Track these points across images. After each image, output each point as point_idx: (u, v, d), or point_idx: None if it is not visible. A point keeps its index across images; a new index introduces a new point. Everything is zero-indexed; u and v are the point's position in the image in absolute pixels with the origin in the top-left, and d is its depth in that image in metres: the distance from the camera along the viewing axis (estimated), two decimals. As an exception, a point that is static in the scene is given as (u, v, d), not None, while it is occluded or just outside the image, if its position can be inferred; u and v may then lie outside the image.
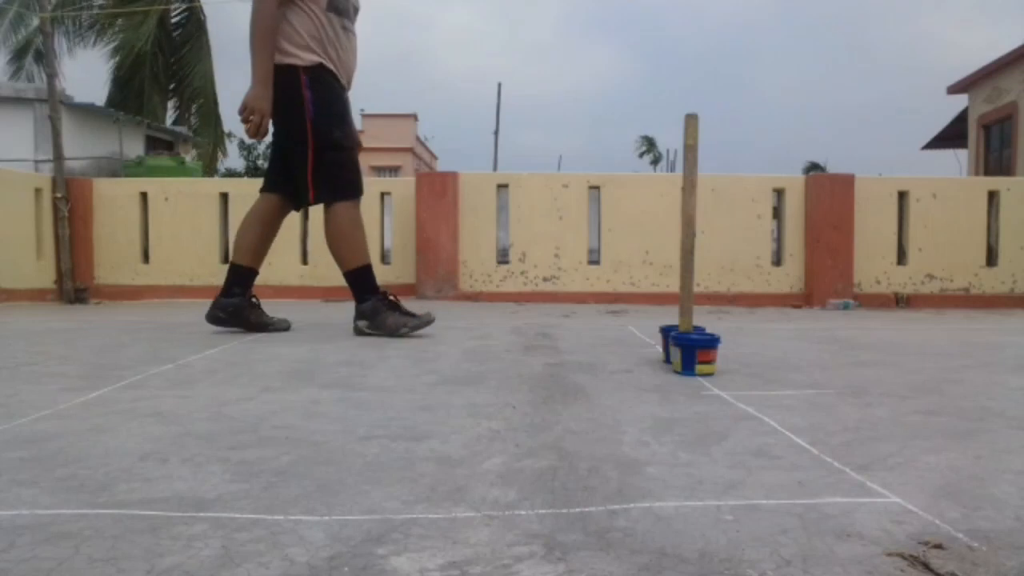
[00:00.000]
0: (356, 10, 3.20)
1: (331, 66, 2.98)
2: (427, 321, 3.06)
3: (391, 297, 3.12)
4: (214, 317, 3.16)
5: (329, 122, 2.96)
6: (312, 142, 2.94)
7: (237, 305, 3.14)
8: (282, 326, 3.26)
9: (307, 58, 2.92)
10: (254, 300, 3.23)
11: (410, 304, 5.05)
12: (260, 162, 22.31)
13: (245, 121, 2.86)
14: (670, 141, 40.22)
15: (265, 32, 2.85)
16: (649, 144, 42.93)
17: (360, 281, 3.10)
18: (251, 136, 2.90)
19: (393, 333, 3.01)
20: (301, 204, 3.26)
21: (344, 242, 3.09)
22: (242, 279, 3.17)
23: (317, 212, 5.77)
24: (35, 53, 14.63)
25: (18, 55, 15.23)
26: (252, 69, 2.86)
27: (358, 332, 3.08)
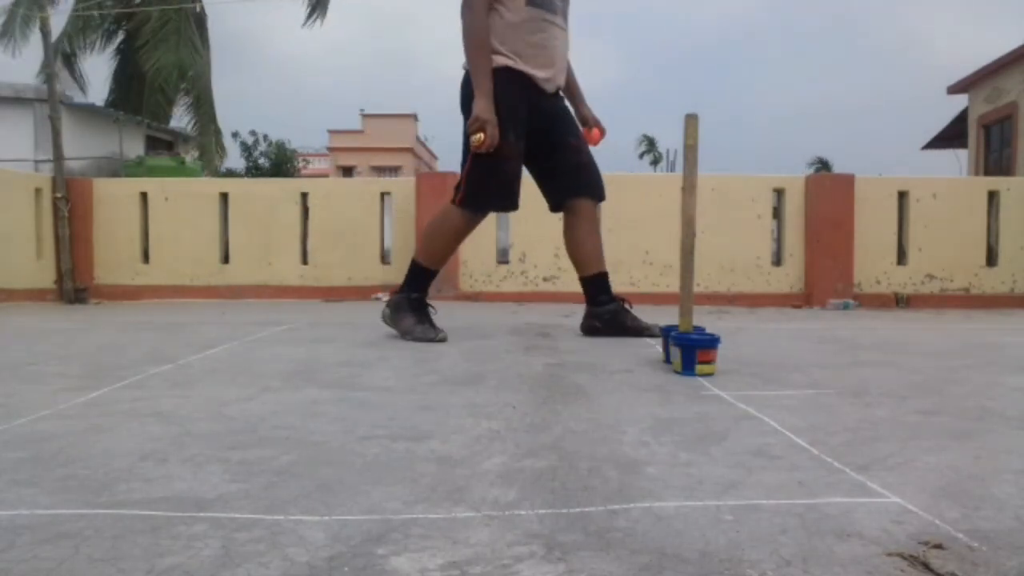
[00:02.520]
0: (565, 5, 3.02)
1: (521, 66, 2.86)
2: (429, 338, 2.90)
3: (430, 306, 3.07)
4: (591, 327, 3.13)
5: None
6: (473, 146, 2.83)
7: (614, 311, 3.11)
8: (656, 331, 2.98)
9: (494, 60, 2.82)
10: (626, 305, 3.17)
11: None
12: (261, 161, 22.29)
13: (477, 133, 2.75)
14: (670, 141, 40.23)
15: (479, 42, 2.77)
16: (650, 144, 42.92)
17: (412, 275, 3.04)
18: (485, 149, 2.76)
19: (402, 334, 2.98)
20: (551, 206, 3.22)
21: (432, 238, 3.03)
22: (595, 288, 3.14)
23: (315, 211, 5.78)
24: (62, 56, 14.59)
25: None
26: (473, 80, 2.78)
27: (383, 318, 3.08)
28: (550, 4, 2.91)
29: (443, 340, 2.88)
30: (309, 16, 15.98)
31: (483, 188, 2.92)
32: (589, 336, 3.12)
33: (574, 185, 3.11)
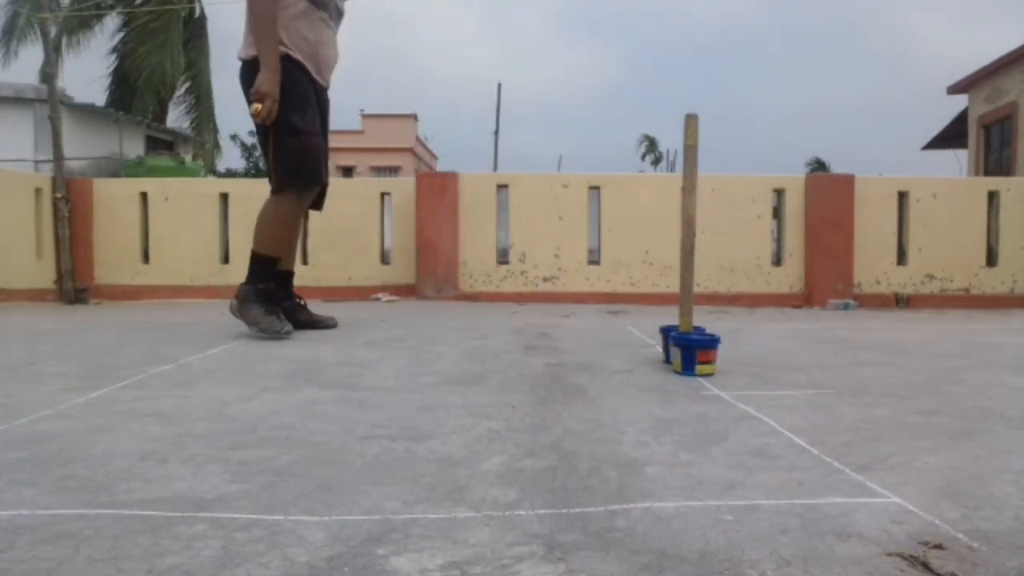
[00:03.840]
0: (339, 13, 3.24)
1: (298, 57, 3.00)
2: (275, 330, 2.93)
3: (301, 300, 3.22)
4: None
5: (291, 107, 2.95)
6: (275, 127, 2.95)
7: (287, 308, 3.20)
8: (331, 323, 3.32)
9: (279, 49, 2.94)
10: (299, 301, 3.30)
11: (410, 304, 5.05)
12: (262, 164, 22.29)
13: (257, 102, 2.87)
14: (669, 142, 40.25)
15: (266, 19, 2.89)
16: (651, 144, 42.89)
17: (255, 267, 3.08)
18: (261, 120, 2.90)
19: (248, 325, 2.99)
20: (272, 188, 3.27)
21: (264, 228, 3.07)
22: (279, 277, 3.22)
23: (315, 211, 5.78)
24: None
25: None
26: (260, 56, 2.89)
27: (231, 310, 3.08)
28: (326, 5, 3.09)
29: (288, 334, 2.94)
30: None
31: (291, 165, 3.02)
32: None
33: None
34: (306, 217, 5.78)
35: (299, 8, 2.98)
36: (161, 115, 15.86)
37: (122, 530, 0.97)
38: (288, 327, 3.00)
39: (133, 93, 15.12)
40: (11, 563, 0.86)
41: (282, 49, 2.95)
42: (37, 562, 0.87)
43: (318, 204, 3.32)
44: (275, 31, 2.90)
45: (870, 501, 1.11)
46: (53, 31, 6.64)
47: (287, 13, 2.96)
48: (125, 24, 15.61)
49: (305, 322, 3.26)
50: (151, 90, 14.87)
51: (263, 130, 2.99)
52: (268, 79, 2.87)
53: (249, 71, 2.96)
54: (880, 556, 0.91)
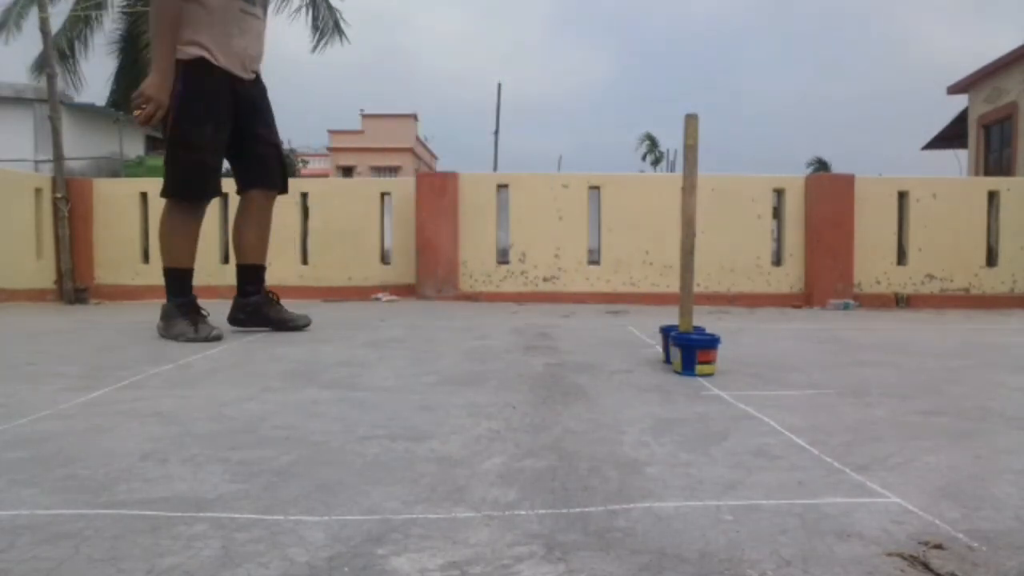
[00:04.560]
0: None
1: (218, 61, 2.94)
2: (204, 336, 2.88)
3: (274, 296, 3.19)
4: (235, 319, 3.20)
5: (188, 119, 2.91)
6: (169, 135, 2.93)
7: (257, 303, 3.18)
8: (302, 322, 3.26)
9: (189, 52, 2.89)
10: (272, 296, 3.27)
11: (410, 304, 5.06)
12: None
13: (137, 108, 2.84)
14: (669, 142, 40.22)
15: (165, 22, 2.84)
16: (652, 143, 42.85)
17: (168, 281, 3.06)
18: (141, 123, 2.88)
19: (174, 339, 2.91)
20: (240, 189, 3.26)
21: (163, 241, 3.06)
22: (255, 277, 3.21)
23: (315, 211, 5.79)
24: (58, 54, 14.58)
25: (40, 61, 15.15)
26: (153, 58, 2.86)
27: (158, 331, 3.04)
28: None
29: (218, 337, 2.89)
30: (318, 42, 15.89)
31: (177, 177, 2.99)
32: (235, 327, 3.19)
33: (250, 175, 3.20)
34: (305, 216, 5.81)
35: (212, 2, 2.89)
36: None
37: (122, 530, 0.97)
38: (217, 331, 2.91)
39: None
40: (11, 563, 0.86)
41: (197, 51, 2.89)
42: (37, 562, 0.87)
43: (284, 187, 3.28)
44: (172, 33, 2.84)
45: (870, 501, 1.11)
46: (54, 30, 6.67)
47: (198, 10, 2.88)
48: (131, 24, 15.59)
49: (275, 320, 3.20)
50: None
51: (167, 135, 2.95)
52: (154, 83, 2.82)
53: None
54: (880, 556, 0.91)
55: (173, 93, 2.86)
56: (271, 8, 3.31)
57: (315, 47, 15.61)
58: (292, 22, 15.21)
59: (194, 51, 2.90)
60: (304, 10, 15.18)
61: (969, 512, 1.06)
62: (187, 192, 3.04)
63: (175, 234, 3.05)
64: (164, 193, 3.02)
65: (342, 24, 15.95)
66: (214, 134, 2.99)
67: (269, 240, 3.31)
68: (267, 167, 3.20)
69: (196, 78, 2.90)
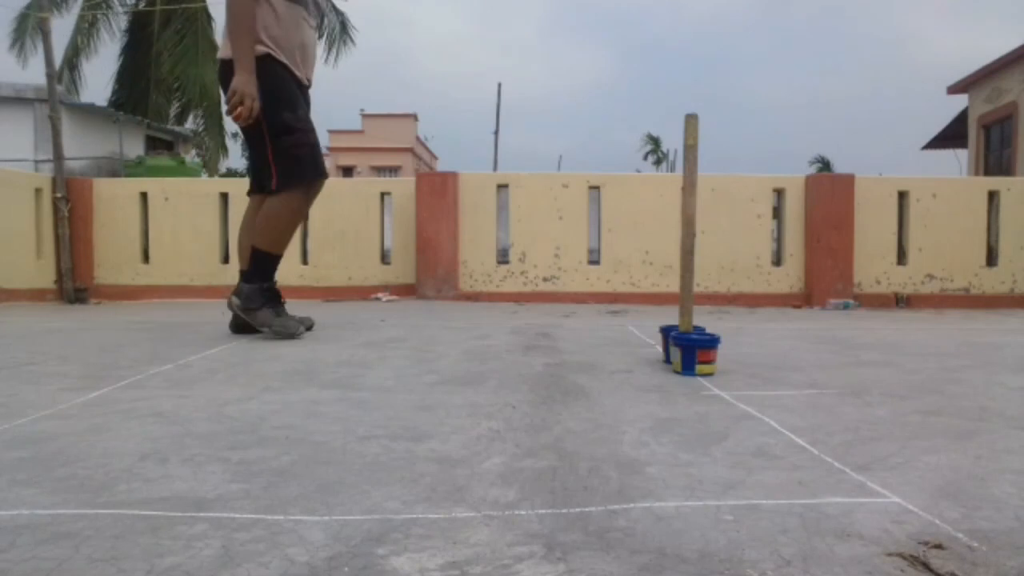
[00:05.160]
0: (318, 9, 3.24)
1: (281, 57, 2.98)
2: (290, 333, 2.94)
3: (281, 301, 3.14)
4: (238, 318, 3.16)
5: (283, 107, 2.94)
6: (269, 129, 2.94)
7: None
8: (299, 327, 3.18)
9: (259, 49, 2.92)
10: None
11: (410, 304, 5.05)
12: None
13: (233, 108, 2.85)
14: (669, 142, 40.23)
15: (243, 20, 2.87)
16: (655, 144, 42.82)
17: (260, 265, 3.06)
18: (242, 121, 2.87)
19: (258, 326, 2.97)
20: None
21: (273, 226, 3.04)
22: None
23: (315, 211, 5.78)
24: (67, 63, 14.57)
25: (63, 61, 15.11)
26: (235, 58, 2.87)
27: (229, 306, 3.06)
28: (307, 4, 3.09)
29: (309, 329, 2.87)
30: (329, 51, 15.89)
31: (292, 165, 3.00)
32: (237, 334, 3.11)
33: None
34: (305, 217, 5.81)
35: (279, 7, 2.96)
36: (169, 117, 15.83)
37: (122, 530, 0.97)
38: (302, 328, 2.99)
39: (139, 94, 15.09)
40: (11, 563, 0.86)
41: (263, 49, 2.93)
42: (37, 562, 0.87)
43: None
44: (251, 32, 2.88)
45: (870, 501, 1.11)
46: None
47: (267, 12, 2.94)
48: (134, 23, 15.57)
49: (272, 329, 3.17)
50: (167, 94, 14.87)
51: (251, 132, 2.97)
52: (244, 80, 2.85)
53: (228, 71, 2.92)
54: (880, 556, 0.91)
55: (258, 89, 2.89)
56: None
57: (326, 58, 15.63)
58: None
59: (260, 48, 2.94)
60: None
61: (969, 512, 1.06)
62: (309, 174, 3.07)
63: (289, 222, 3.08)
64: (282, 186, 2.99)
65: (350, 29, 15.98)
66: (307, 115, 3.07)
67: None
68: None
69: (272, 68, 2.95)
